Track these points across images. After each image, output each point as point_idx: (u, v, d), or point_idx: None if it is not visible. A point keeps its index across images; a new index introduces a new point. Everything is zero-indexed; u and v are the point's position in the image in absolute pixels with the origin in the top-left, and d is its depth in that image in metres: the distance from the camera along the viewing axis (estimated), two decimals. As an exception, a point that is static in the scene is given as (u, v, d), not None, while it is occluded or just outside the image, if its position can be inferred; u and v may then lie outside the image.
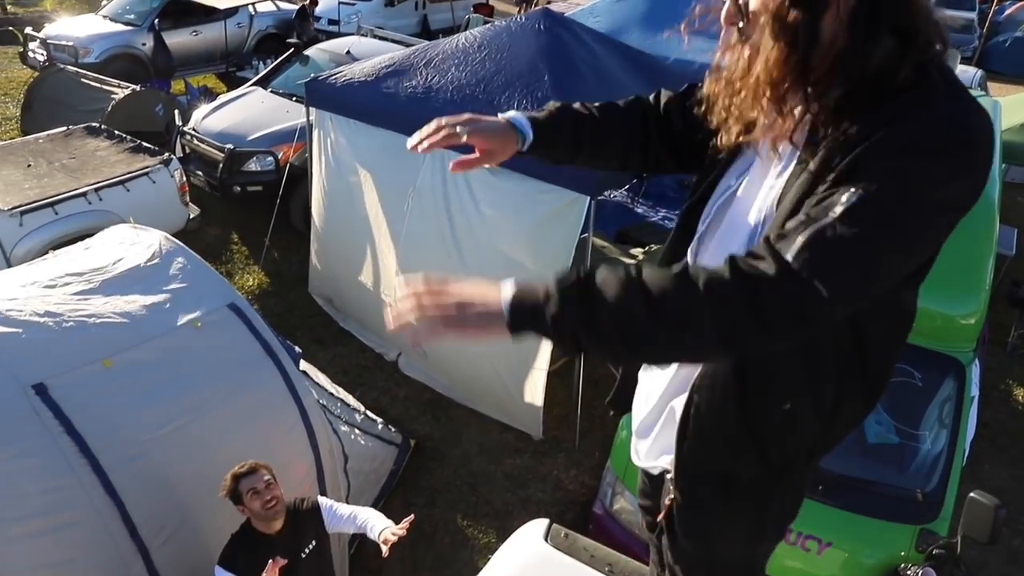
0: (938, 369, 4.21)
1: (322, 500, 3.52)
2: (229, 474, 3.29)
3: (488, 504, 5.43)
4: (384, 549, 3.37)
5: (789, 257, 1.32)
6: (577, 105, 1.94)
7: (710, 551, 1.96)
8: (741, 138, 1.61)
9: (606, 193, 7.75)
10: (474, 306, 1.40)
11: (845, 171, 1.37)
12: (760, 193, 1.62)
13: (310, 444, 4.08)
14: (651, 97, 1.98)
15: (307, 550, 3.39)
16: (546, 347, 5.54)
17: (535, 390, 5.73)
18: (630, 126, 1.94)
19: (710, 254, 1.74)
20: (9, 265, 5.79)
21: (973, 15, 20.04)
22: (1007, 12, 22.67)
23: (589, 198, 5.13)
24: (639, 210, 9.23)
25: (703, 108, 1.70)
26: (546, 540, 2.60)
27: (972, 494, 3.27)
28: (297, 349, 4.54)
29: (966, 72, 11.33)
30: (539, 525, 2.75)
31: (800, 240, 1.32)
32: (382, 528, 3.47)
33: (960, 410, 4.13)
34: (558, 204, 5.24)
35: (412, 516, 3.47)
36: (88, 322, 3.70)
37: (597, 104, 1.95)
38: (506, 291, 1.40)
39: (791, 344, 1.43)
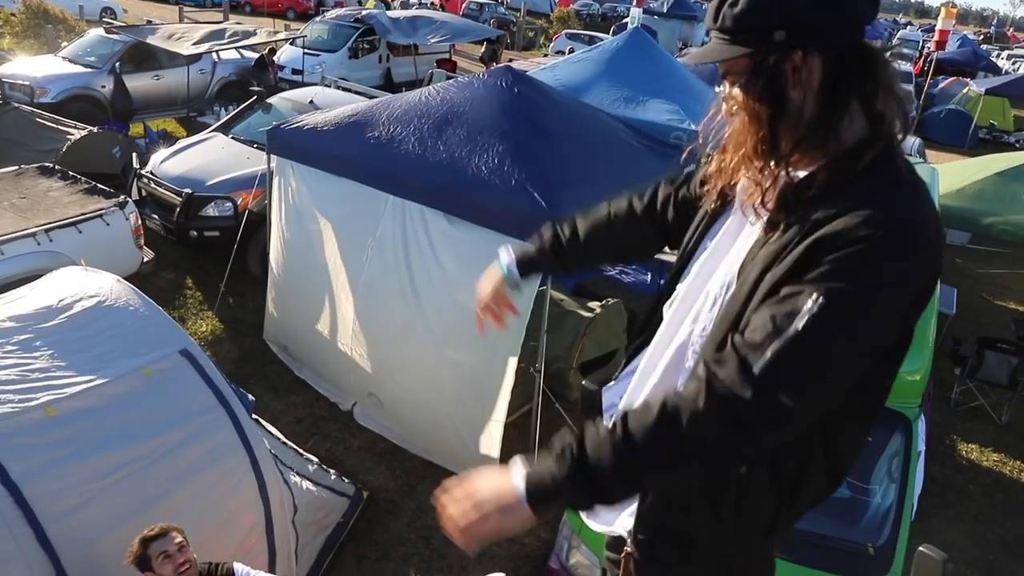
0: (886, 424, 4.30)
1: (237, 567, 3.38)
2: (137, 539, 3.12)
3: (443, 559, 5.31)
4: None
5: (759, 371, 1.42)
6: (581, 225, 2.18)
7: None
8: (724, 193, 1.71)
9: (565, 246, 7.86)
10: (492, 505, 1.55)
11: (805, 256, 1.45)
12: (726, 258, 1.69)
13: (260, 495, 3.97)
14: (647, 195, 2.14)
15: None
16: (503, 399, 5.52)
17: (491, 442, 5.68)
18: (631, 239, 2.17)
19: (680, 313, 1.81)
20: (-50, 307, 5.57)
21: (911, 87, 21.30)
22: (940, 86, 24.25)
23: (548, 251, 5.18)
24: (597, 264, 9.35)
25: (702, 185, 1.83)
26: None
27: (921, 548, 3.32)
28: (250, 397, 4.45)
29: (905, 141, 11.87)
30: (496, 578, 2.70)
31: (769, 355, 1.42)
32: None
33: (908, 464, 4.22)
34: (517, 256, 5.28)
35: None
36: (31, 372, 3.58)
37: (599, 220, 2.17)
38: (518, 483, 1.55)
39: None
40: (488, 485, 1.58)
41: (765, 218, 1.58)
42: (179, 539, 3.15)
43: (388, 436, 6.33)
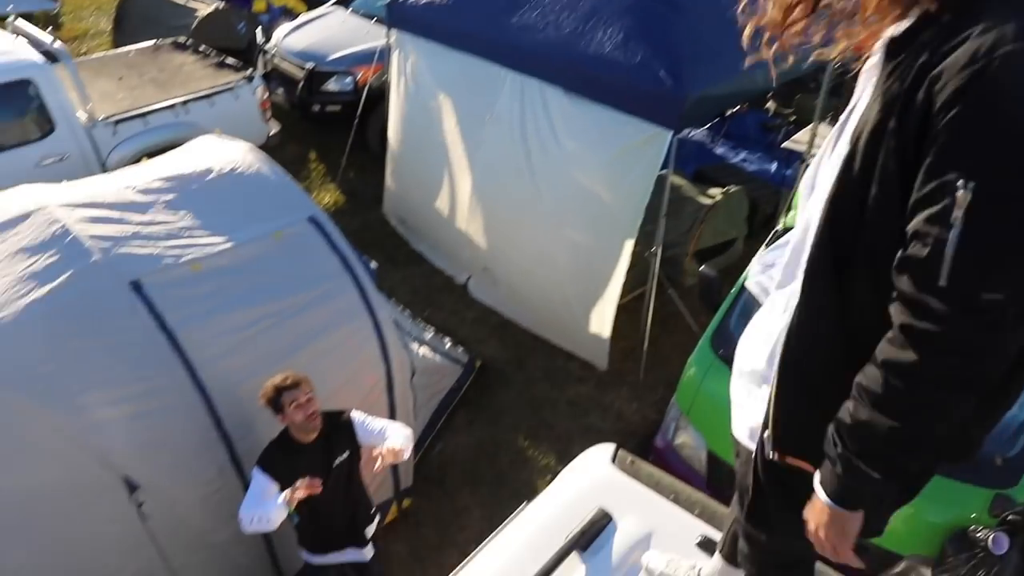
0: None
1: (355, 415, 3.63)
2: (270, 384, 3.37)
3: (549, 428, 5.54)
4: (377, 462, 3.44)
5: (946, 283, 1.30)
6: None
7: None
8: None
9: (685, 131, 7.56)
10: (824, 529, 1.61)
11: (924, 104, 1.31)
12: (851, 117, 1.56)
13: (382, 356, 4.21)
14: None
15: (339, 460, 3.53)
16: (617, 280, 5.52)
17: (603, 322, 5.75)
18: None
19: (823, 180, 1.68)
20: (105, 171, 6.03)
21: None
22: None
23: (672, 134, 5.01)
24: (719, 150, 8.97)
25: None
26: (613, 463, 2.64)
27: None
28: (373, 264, 4.64)
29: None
30: (606, 449, 2.80)
31: (946, 267, 1.30)
32: (392, 445, 3.52)
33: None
34: (638, 138, 5.14)
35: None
36: (178, 229, 3.85)
37: None
38: (823, 497, 1.60)
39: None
40: (810, 516, 1.66)
41: (879, 71, 1.45)
42: (308, 391, 3.40)
43: (501, 310, 6.51)
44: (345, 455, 3.53)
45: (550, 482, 5.09)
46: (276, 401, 3.34)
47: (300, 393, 3.34)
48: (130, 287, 3.49)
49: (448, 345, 5.52)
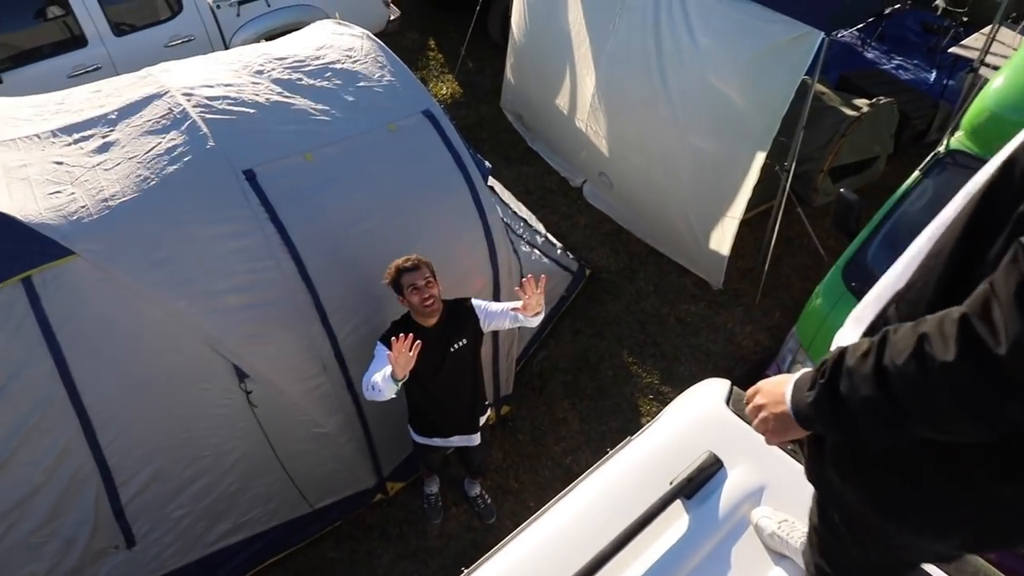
0: None
1: (475, 301, 3.57)
2: (393, 265, 3.37)
3: (656, 345, 5.35)
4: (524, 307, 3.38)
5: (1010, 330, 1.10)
6: None
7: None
8: None
9: (836, 32, 6.79)
10: (771, 414, 1.59)
11: None
12: None
13: (490, 260, 4.09)
14: None
15: (458, 345, 3.50)
16: (743, 194, 5.12)
17: (723, 238, 5.40)
18: None
19: None
20: (227, 51, 6.04)
21: None
22: None
23: (822, 35, 4.45)
24: (869, 55, 8.07)
25: None
26: (727, 404, 2.43)
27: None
28: (487, 164, 4.46)
29: None
30: (719, 385, 2.58)
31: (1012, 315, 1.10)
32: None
33: None
34: (783, 38, 4.61)
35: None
36: (292, 116, 3.77)
37: None
38: (788, 397, 1.53)
39: None
40: (768, 390, 1.62)
41: None
42: (428, 275, 3.36)
43: (615, 217, 6.25)
44: (464, 342, 3.51)
45: (652, 402, 5.05)
46: (396, 282, 3.36)
47: (419, 276, 3.33)
48: (243, 176, 3.47)
49: (559, 251, 5.35)
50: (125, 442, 3.29)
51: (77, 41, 6.07)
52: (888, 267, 1.58)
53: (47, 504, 3.20)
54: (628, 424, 4.85)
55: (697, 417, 2.41)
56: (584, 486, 2.27)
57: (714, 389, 2.61)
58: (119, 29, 6.21)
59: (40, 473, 3.16)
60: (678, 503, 2.10)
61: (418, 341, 3.16)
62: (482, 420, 3.84)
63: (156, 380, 3.28)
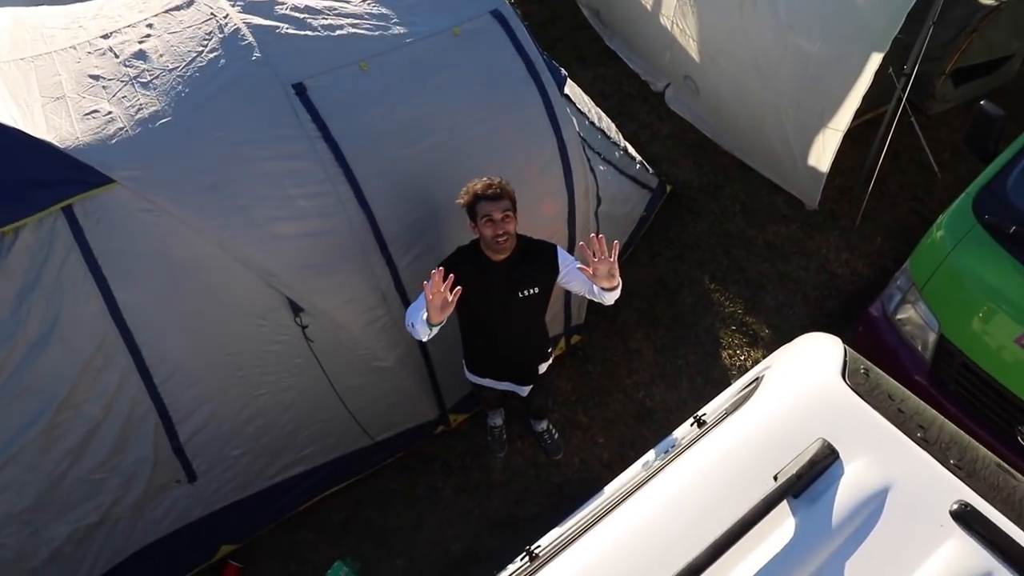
0: None
1: (562, 253, 3.19)
2: (472, 187, 2.99)
3: (740, 271, 4.93)
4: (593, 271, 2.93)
5: None
6: None
7: None
8: None
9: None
10: None
11: None
12: None
13: (565, 183, 3.70)
14: None
15: (527, 292, 3.15)
16: (851, 103, 4.51)
17: (823, 153, 4.82)
18: None
19: None
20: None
21: None
22: None
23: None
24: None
25: None
26: (843, 378, 2.05)
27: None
28: (563, 72, 3.99)
29: None
30: (830, 349, 2.20)
31: None
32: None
33: None
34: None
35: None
36: (346, 20, 3.37)
37: None
38: None
39: None
40: None
41: None
42: (508, 207, 2.97)
43: (700, 127, 5.69)
44: (535, 290, 3.17)
45: (734, 334, 4.65)
46: (472, 208, 3.00)
47: (497, 207, 2.94)
48: (293, 90, 3.14)
49: (638, 165, 4.89)
50: (180, 381, 3.16)
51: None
52: None
53: (109, 439, 3.13)
54: (707, 359, 4.51)
55: (805, 394, 2.05)
56: (669, 473, 1.96)
57: (824, 353, 2.23)
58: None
59: (100, 409, 3.07)
60: (784, 504, 1.79)
61: (458, 288, 2.84)
62: (542, 368, 3.55)
63: (207, 316, 3.10)
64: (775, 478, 1.82)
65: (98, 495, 3.21)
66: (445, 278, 2.91)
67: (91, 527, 3.29)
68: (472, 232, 3.10)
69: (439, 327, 2.94)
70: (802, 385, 2.10)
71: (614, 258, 2.90)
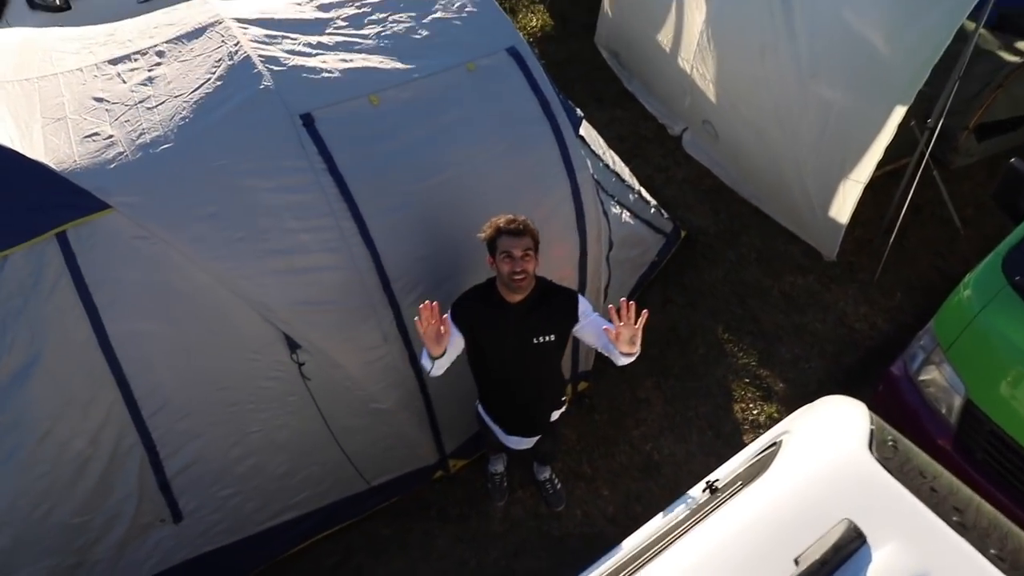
0: None
1: (584, 303, 3.06)
2: (495, 222, 2.89)
3: (755, 322, 4.78)
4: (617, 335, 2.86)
5: None
6: None
7: None
8: None
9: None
10: None
11: None
12: None
13: (577, 226, 3.59)
14: None
15: (543, 339, 3.02)
16: (873, 155, 4.40)
17: (843, 204, 4.71)
18: None
19: None
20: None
21: None
22: None
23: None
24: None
25: None
26: (870, 449, 1.90)
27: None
28: (579, 112, 3.91)
29: None
30: (855, 415, 2.05)
31: None
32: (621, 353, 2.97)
33: None
34: (947, -34, 3.83)
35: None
36: (358, 53, 3.31)
37: None
38: None
39: None
40: None
41: None
42: (529, 246, 2.86)
43: (717, 172, 5.59)
44: (551, 338, 3.03)
45: (747, 387, 4.47)
46: (493, 242, 2.89)
47: (518, 245, 2.84)
48: (300, 121, 3.05)
49: (652, 209, 4.78)
50: (169, 414, 3.02)
51: (148, -40, 5.71)
52: None
53: (93, 478, 2.98)
54: (718, 411, 4.34)
55: (829, 467, 1.90)
56: (680, 548, 1.80)
57: (849, 420, 2.08)
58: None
59: (85, 444, 2.93)
60: (806, 590, 1.62)
61: (445, 315, 2.77)
62: (555, 415, 3.41)
63: (200, 349, 2.97)
64: (795, 562, 1.66)
65: (80, 536, 3.05)
66: (456, 318, 2.90)
67: (68, 568, 3.13)
68: (490, 268, 2.99)
69: (446, 358, 2.88)
70: (825, 456, 1.95)
71: (639, 326, 2.81)
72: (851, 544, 1.67)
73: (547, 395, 3.33)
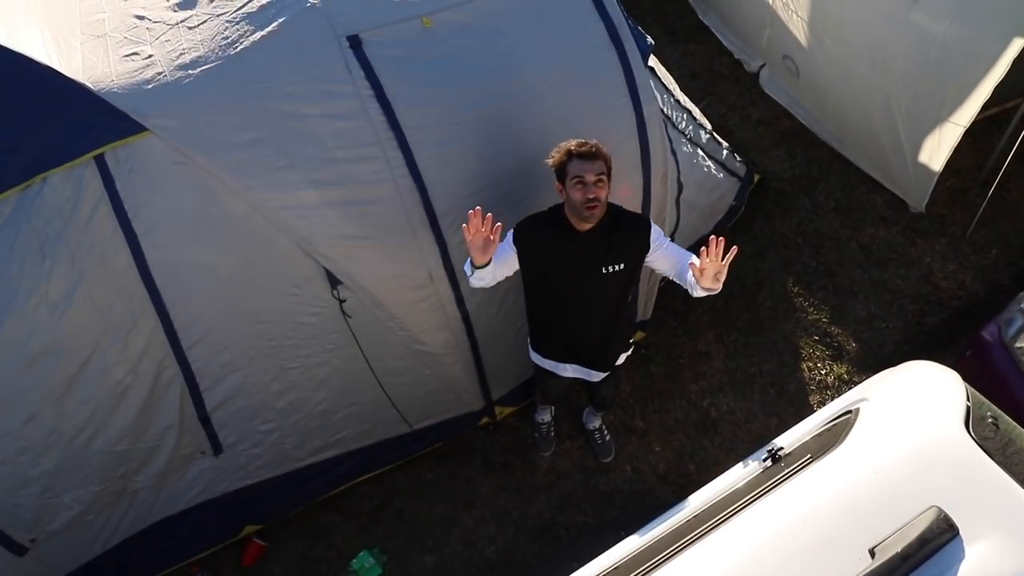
0: None
1: (656, 229, 2.88)
2: (565, 145, 2.72)
3: (829, 276, 4.45)
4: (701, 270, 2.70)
5: None
6: None
7: None
8: None
9: None
10: None
11: None
12: None
13: (641, 164, 3.32)
14: None
15: (612, 268, 2.84)
16: (979, 95, 3.95)
17: (937, 149, 4.28)
18: None
19: None
20: None
21: None
22: None
23: None
24: None
25: None
26: (966, 427, 1.65)
27: None
28: (649, 40, 3.59)
29: None
30: (948, 385, 1.79)
31: None
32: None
33: None
34: None
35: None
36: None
37: None
38: None
39: None
40: None
41: None
42: (602, 171, 2.69)
43: (796, 113, 5.19)
44: (620, 266, 2.86)
45: (816, 346, 4.17)
46: (562, 167, 2.72)
47: (591, 169, 2.67)
48: (347, 43, 2.85)
49: (725, 152, 4.44)
50: (209, 346, 2.96)
51: None
52: None
53: (134, 407, 2.96)
54: (783, 369, 4.09)
55: (916, 444, 1.66)
56: (738, 526, 1.61)
57: (941, 392, 1.83)
58: None
59: (125, 373, 2.90)
60: (884, 585, 1.41)
61: (499, 224, 2.61)
62: (621, 359, 3.23)
63: (240, 281, 2.88)
64: (871, 553, 1.44)
65: (121, 465, 3.05)
66: (518, 239, 2.80)
67: (112, 494, 3.15)
68: (559, 195, 2.80)
69: (490, 271, 2.75)
70: (912, 432, 1.70)
71: (726, 262, 2.66)
72: (940, 536, 1.44)
73: (615, 332, 3.12)
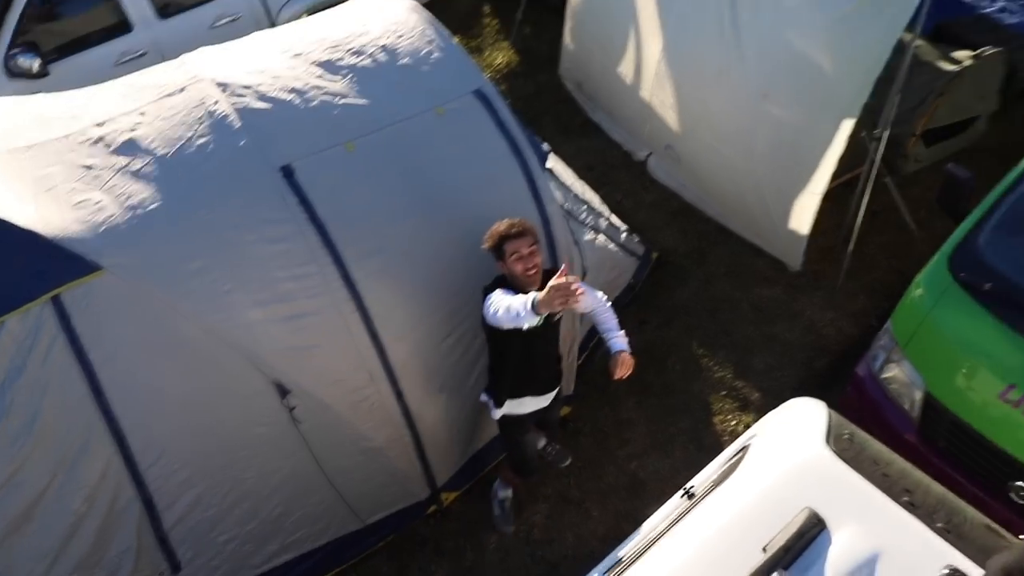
0: None
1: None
2: (495, 230, 3.15)
3: (728, 335, 4.95)
4: (617, 372, 3.26)
5: None
6: None
7: None
8: None
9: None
10: None
11: None
12: None
13: (550, 256, 3.75)
14: None
15: (557, 316, 3.30)
16: (826, 168, 4.63)
17: (802, 215, 4.92)
18: None
19: None
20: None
21: None
22: None
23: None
24: (967, -1, 7.26)
25: None
26: (827, 443, 2.06)
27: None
28: (545, 146, 4.10)
29: None
30: (815, 414, 2.21)
31: None
32: (620, 349, 3.32)
33: None
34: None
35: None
36: (332, 101, 3.49)
37: None
38: None
39: None
40: None
41: None
42: (532, 242, 3.14)
43: (683, 194, 5.80)
44: (560, 315, 3.33)
45: (724, 399, 4.62)
46: (499, 248, 3.15)
47: (524, 244, 3.12)
48: (280, 173, 3.21)
49: (623, 234, 4.96)
50: (165, 466, 3.11)
51: (122, 26, 5.86)
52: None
53: (90, 534, 3.05)
54: (698, 425, 4.49)
55: (790, 462, 2.06)
56: (660, 551, 1.94)
57: (808, 419, 2.25)
58: (163, 11, 6.01)
59: (81, 502, 3.02)
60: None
61: (575, 286, 2.77)
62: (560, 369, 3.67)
63: (194, 400, 3.09)
64: (764, 550, 1.80)
65: (82, 592, 3.12)
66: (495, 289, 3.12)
67: (72, 621, 3.19)
68: (500, 271, 3.21)
69: (542, 319, 2.88)
70: (787, 453, 2.11)
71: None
72: (812, 530, 1.83)
73: (556, 351, 3.59)
